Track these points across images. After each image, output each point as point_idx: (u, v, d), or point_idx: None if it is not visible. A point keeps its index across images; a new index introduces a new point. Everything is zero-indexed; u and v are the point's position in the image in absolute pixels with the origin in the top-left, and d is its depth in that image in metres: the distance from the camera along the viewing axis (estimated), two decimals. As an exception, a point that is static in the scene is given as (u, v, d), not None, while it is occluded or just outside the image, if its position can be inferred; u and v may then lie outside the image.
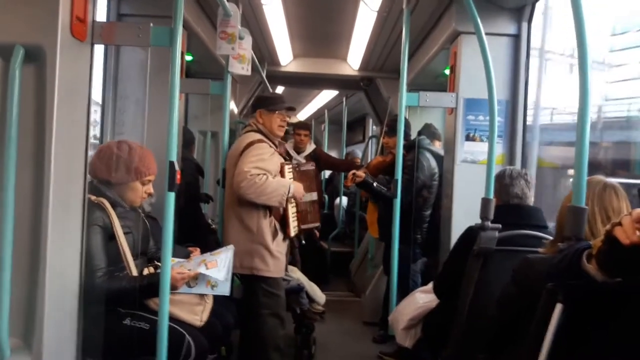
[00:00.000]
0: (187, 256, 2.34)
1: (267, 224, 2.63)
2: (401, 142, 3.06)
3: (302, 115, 10.19)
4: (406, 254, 3.30)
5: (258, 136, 2.69)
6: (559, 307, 1.15)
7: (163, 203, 1.78)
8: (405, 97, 3.00)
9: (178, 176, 1.80)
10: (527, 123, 3.06)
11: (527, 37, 3.04)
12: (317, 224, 3.02)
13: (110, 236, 1.98)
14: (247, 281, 2.61)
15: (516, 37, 3.03)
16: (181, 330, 2.00)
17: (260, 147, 2.61)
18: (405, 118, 3.41)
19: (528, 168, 2.91)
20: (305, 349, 3.36)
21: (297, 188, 2.68)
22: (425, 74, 4.08)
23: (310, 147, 4.41)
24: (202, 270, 2.08)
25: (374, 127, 7.07)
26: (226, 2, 2.46)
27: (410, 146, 3.46)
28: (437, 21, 3.46)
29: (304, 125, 4.50)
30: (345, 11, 3.72)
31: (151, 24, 1.87)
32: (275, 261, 2.65)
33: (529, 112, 3.09)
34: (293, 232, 2.77)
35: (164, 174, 1.77)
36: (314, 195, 2.96)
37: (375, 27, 3.87)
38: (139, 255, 2.14)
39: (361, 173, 3.43)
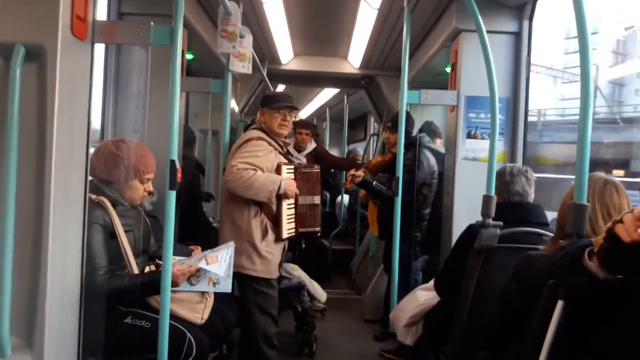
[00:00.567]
0: (188, 254, 2.34)
1: (256, 223, 2.60)
2: (402, 140, 3.06)
3: (304, 113, 10.19)
4: (406, 252, 3.30)
5: (258, 134, 2.68)
6: (560, 304, 1.15)
7: (164, 201, 1.79)
8: (406, 95, 3.00)
9: (179, 175, 1.80)
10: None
11: (528, 34, 3.03)
12: (317, 229, 2.89)
13: (111, 235, 1.98)
14: (238, 279, 2.60)
15: (517, 35, 3.03)
16: (182, 328, 2.01)
17: (255, 144, 2.59)
18: (409, 114, 3.42)
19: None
20: (306, 346, 3.36)
21: (290, 185, 2.61)
22: (426, 72, 4.08)
23: (310, 146, 4.41)
24: (202, 265, 2.09)
25: (376, 125, 7.07)
26: (227, 1, 2.46)
27: (410, 144, 3.45)
28: (438, 19, 3.45)
29: (305, 123, 4.50)
30: (345, 9, 3.71)
31: (152, 23, 1.87)
32: (264, 261, 2.60)
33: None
34: (286, 234, 2.69)
35: (165, 172, 1.78)
36: (315, 199, 2.85)
37: (376, 25, 3.87)
38: (140, 253, 2.15)
39: (360, 173, 3.42)
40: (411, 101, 3.06)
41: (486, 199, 2.08)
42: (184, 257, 2.23)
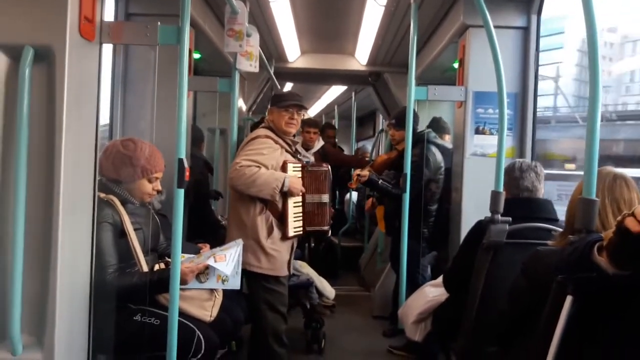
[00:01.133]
0: (197, 252, 2.35)
1: (262, 220, 2.60)
2: (409, 136, 3.05)
3: (312, 111, 10.20)
4: (414, 249, 3.30)
5: (265, 132, 2.68)
6: (569, 300, 1.15)
7: (173, 200, 1.80)
8: (413, 91, 2.99)
9: (187, 173, 1.81)
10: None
11: (537, 29, 3.01)
12: (325, 228, 2.85)
13: (120, 233, 2.00)
14: (246, 276, 2.61)
15: (525, 30, 3.01)
16: (191, 325, 2.02)
17: (261, 142, 2.59)
18: (414, 111, 3.40)
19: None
20: (315, 343, 3.37)
21: (294, 182, 2.60)
22: (434, 69, 4.07)
23: (318, 144, 4.42)
24: (210, 263, 2.10)
25: (384, 121, 7.06)
26: (233, 0, 2.47)
27: (417, 140, 3.44)
28: (445, 15, 3.44)
29: (312, 122, 4.50)
30: (352, 6, 3.71)
31: (159, 23, 1.88)
32: (269, 258, 2.60)
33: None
34: (292, 232, 2.67)
35: (173, 171, 1.79)
36: (323, 198, 2.80)
37: (382, 21, 3.86)
38: (150, 251, 2.16)
39: (365, 172, 3.41)
40: (419, 97, 3.05)
41: (494, 195, 2.07)
42: (193, 255, 2.24)
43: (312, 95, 8.58)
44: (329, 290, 3.35)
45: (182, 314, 1.93)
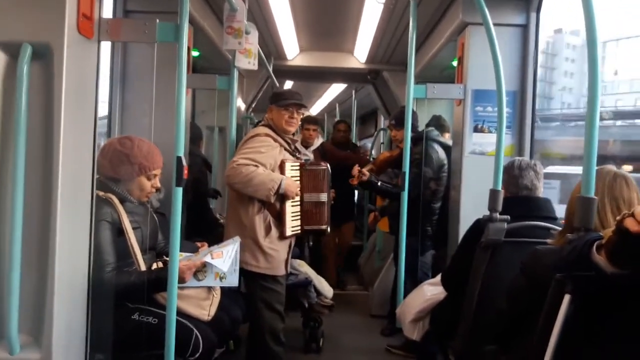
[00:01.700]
0: (195, 251, 2.35)
1: (260, 220, 2.59)
2: (409, 134, 3.05)
3: (314, 109, 10.19)
4: (416, 247, 3.30)
5: (265, 130, 2.68)
6: (567, 298, 1.14)
7: (171, 198, 1.79)
8: (412, 89, 2.98)
9: (185, 171, 1.80)
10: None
11: (536, 27, 3.00)
12: (323, 227, 2.85)
13: (118, 231, 1.99)
14: (244, 275, 2.60)
15: (524, 27, 3.00)
16: (189, 324, 2.02)
17: (259, 140, 2.59)
18: (412, 110, 3.40)
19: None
20: (313, 342, 3.38)
21: (290, 185, 2.59)
22: (433, 67, 4.06)
23: (317, 142, 4.42)
24: (207, 259, 2.09)
25: (385, 120, 7.05)
26: (232, -3, 2.46)
27: (418, 139, 3.44)
28: (444, 12, 3.43)
29: (312, 119, 4.49)
30: (351, 3, 3.70)
31: (157, 20, 1.87)
32: (267, 258, 2.60)
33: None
34: (290, 231, 2.67)
35: (172, 169, 1.78)
36: (322, 197, 2.80)
37: (381, 19, 3.85)
38: (148, 250, 2.16)
39: (366, 172, 3.41)
40: (418, 95, 3.05)
41: (493, 193, 2.07)
42: (191, 254, 2.23)
43: (313, 93, 8.56)
44: (327, 289, 3.34)
45: (180, 313, 1.92)
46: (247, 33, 2.72)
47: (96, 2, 1.74)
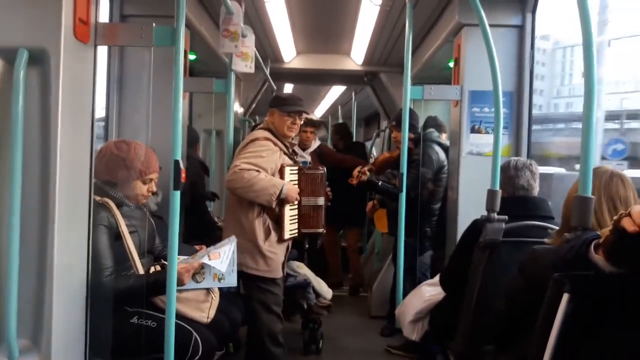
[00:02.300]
0: (193, 254, 2.35)
1: (259, 223, 2.60)
2: (406, 136, 3.05)
3: (318, 112, 10.21)
4: (414, 247, 3.30)
5: (265, 134, 2.68)
6: (565, 298, 1.15)
7: (169, 202, 1.79)
8: (409, 91, 2.99)
9: (183, 175, 1.80)
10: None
11: (532, 27, 3.02)
12: (320, 230, 2.88)
13: (116, 235, 1.99)
14: (242, 277, 2.61)
15: (520, 28, 3.02)
16: (188, 327, 2.02)
17: (261, 144, 2.59)
18: (413, 111, 3.41)
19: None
20: (312, 343, 3.37)
21: (291, 191, 2.61)
22: (430, 68, 4.07)
23: (315, 144, 4.41)
24: (205, 260, 2.09)
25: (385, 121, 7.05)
26: (228, 0, 2.46)
27: (419, 140, 3.45)
28: (440, 14, 3.44)
29: (309, 121, 4.49)
30: (347, 6, 3.71)
31: (154, 24, 1.87)
32: (266, 261, 2.60)
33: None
34: (288, 234, 2.69)
35: (169, 173, 1.78)
36: (319, 201, 2.83)
37: (378, 21, 3.86)
38: (146, 254, 2.15)
39: (366, 171, 3.41)
40: (415, 97, 3.06)
41: (491, 193, 2.08)
42: (188, 257, 2.23)
43: (316, 96, 8.56)
44: (325, 290, 3.34)
45: (178, 315, 1.92)
46: (243, 36, 2.73)
47: (92, 6, 1.74)
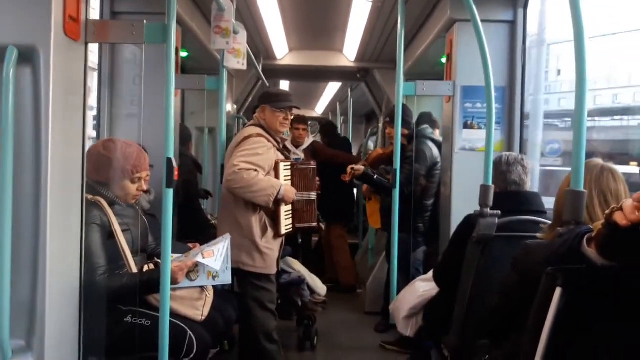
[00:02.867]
0: (186, 252, 2.34)
1: (256, 220, 2.61)
2: (399, 132, 3.06)
3: (318, 108, 10.21)
4: (408, 243, 3.32)
5: (258, 130, 2.67)
6: (558, 292, 1.15)
7: (161, 200, 1.79)
8: (402, 87, 2.99)
9: (176, 173, 1.80)
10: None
11: (523, 23, 3.03)
12: (313, 224, 2.95)
13: (108, 234, 1.98)
14: (237, 275, 2.61)
15: (512, 24, 3.03)
16: (183, 325, 2.01)
17: (255, 142, 2.59)
18: (407, 107, 3.42)
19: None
20: (307, 340, 3.38)
21: (289, 192, 2.63)
22: (423, 63, 4.07)
23: (308, 141, 4.42)
24: (199, 259, 2.09)
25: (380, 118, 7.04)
26: (220, -3, 2.45)
27: (413, 136, 3.46)
28: (433, 10, 3.44)
29: (301, 119, 4.49)
30: (339, 2, 3.70)
31: (145, 21, 1.86)
32: (263, 257, 2.61)
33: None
34: (284, 230, 2.72)
35: (162, 171, 1.77)
36: (312, 195, 2.88)
37: (370, 17, 3.86)
38: (139, 252, 2.14)
39: (360, 167, 3.42)
40: (407, 93, 3.06)
41: (484, 189, 2.08)
42: (182, 255, 2.23)
43: (314, 93, 8.54)
44: (320, 287, 3.35)
45: (173, 314, 1.92)
46: (235, 33, 2.71)
47: (83, 3, 1.72)
